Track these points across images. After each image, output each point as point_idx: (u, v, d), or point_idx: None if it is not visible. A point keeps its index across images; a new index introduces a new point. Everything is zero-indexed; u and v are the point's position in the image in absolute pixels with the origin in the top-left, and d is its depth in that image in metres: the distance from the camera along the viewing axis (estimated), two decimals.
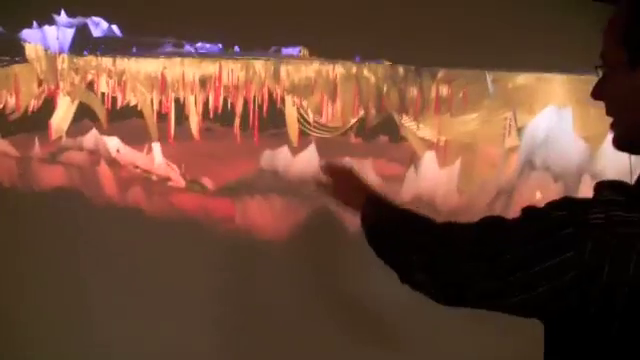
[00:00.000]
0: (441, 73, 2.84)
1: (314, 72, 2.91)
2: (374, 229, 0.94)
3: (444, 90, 2.85)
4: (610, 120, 0.80)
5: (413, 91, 2.87)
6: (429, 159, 2.71)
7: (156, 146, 2.85)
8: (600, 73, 0.80)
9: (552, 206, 0.74)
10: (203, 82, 3.04)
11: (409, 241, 0.88)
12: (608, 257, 0.68)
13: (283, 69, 2.88)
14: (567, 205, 0.73)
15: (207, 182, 2.88)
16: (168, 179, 2.89)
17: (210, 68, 3.00)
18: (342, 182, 1.02)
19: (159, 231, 2.98)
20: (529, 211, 0.79)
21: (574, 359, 0.74)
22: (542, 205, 0.75)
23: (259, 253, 2.92)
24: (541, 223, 0.73)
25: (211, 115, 3.06)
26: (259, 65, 2.98)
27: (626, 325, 0.70)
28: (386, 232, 0.93)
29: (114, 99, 3.03)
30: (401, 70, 2.86)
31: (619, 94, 0.79)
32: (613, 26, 0.80)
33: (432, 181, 2.66)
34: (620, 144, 0.80)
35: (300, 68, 2.90)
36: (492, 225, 0.80)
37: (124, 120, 2.93)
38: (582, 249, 0.69)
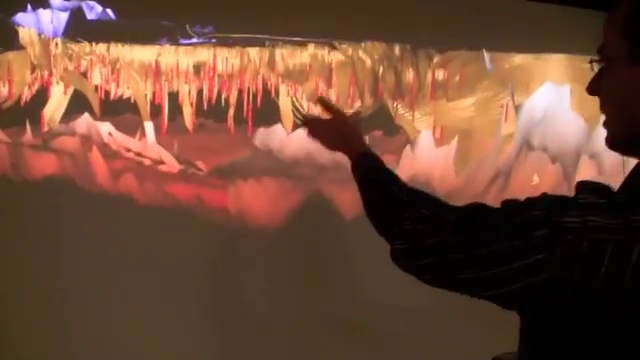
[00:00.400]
0: (437, 55, 2.83)
1: (309, 57, 2.89)
2: (364, 186, 0.95)
3: (440, 73, 2.83)
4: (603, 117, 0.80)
5: (409, 74, 2.85)
6: (425, 138, 2.68)
7: (149, 125, 2.81)
8: (595, 68, 0.78)
9: (530, 204, 0.72)
10: (197, 70, 3.01)
11: (394, 209, 0.86)
12: (579, 262, 0.66)
13: (278, 53, 2.86)
14: (544, 204, 0.70)
15: (200, 165, 2.84)
16: (161, 162, 2.85)
17: (204, 55, 2.98)
18: (334, 123, 1.07)
19: (151, 219, 2.92)
20: (508, 206, 0.77)
21: (547, 354, 0.71)
22: (521, 200, 0.74)
23: (253, 239, 2.87)
24: (517, 221, 0.71)
25: (205, 106, 3.03)
26: (254, 52, 2.96)
27: (599, 329, 0.68)
28: (376, 193, 0.92)
29: (107, 89, 3.00)
30: (397, 50, 2.85)
31: (617, 89, 0.76)
32: (615, 18, 0.77)
33: (428, 161, 2.63)
34: (615, 143, 0.78)
35: (295, 53, 2.88)
36: (473, 215, 0.78)
37: (118, 110, 2.90)
38: (554, 252, 0.67)
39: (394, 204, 0.87)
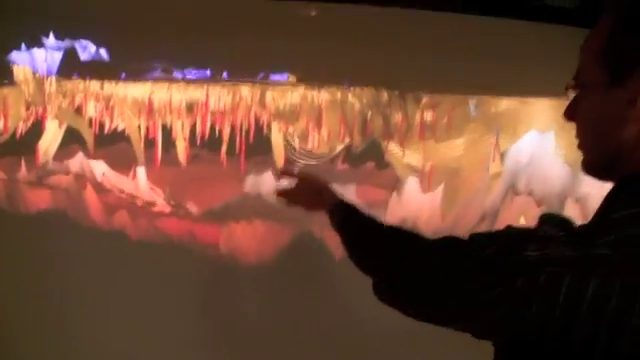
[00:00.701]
0: (425, 98, 2.87)
1: (299, 97, 2.94)
2: (344, 230, 1.00)
3: (428, 115, 2.87)
4: (578, 142, 0.81)
5: (397, 116, 2.89)
6: (412, 184, 2.73)
7: (141, 170, 2.85)
8: (570, 94, 0.80)
9: (493, 237, 0.74)
10: (190, 107, 3.05)
11: (373, 248, 0.90)
12: (537, 294, 0.68)
13: (269, 95, 2.90)
14: (505, 237, 0.73)
15: (192, 207, 2.89)
16: (153, 204, 2.89)
17: (197, 93, 3.02)
18: (304, 187, 1.13)
19: (144, 254, 2.97)
20: (475, 239, 0.79)
21: None
22: (487, 233, 0.77)
23: (244, 277, 2.91)
24: (481, 255, 0.73)
25: (198, 142, 3.08)
26: (246, 90, 3.01)
27: (561, 356, 0.70)
28: (353, 235, 0.97)
29: (102, 123, 3.04)
30: (385, 95, 2.89)
31: (593, 115, 0.78)
32: (590, 45, 0.79)
33: (415, 206, 2.68)
34: (591, 168, 0.80)
35: (286, 94, 2.92)
36: (445, 249, 0.80)
37: (112, 144, 2.94)
38: (513, 285, 0.69)
39: (373, 243, 0.92)
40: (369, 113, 2.87)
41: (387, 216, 2.76)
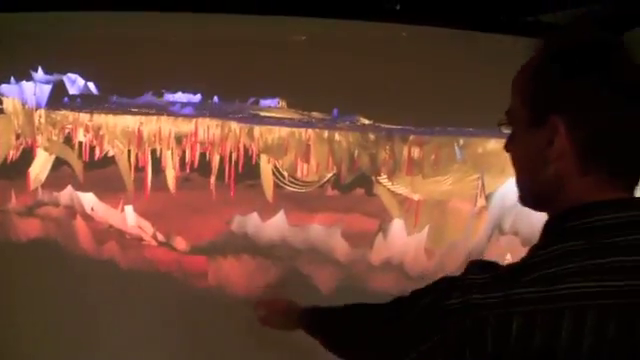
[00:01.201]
0: (412, 136, 2.87)
1: (287, 133, 2.95)
2: (313, 333, 1.14)
3: (415, 152, 2.88)
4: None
5: (385, 154, 2.90)
6: (397, 226, 2.76)
7: (129, 209, 2.88)
8: (502, 129, 0.83)
9: (427, 290, 0.80)
10: (179, 139, 3.07)
11: (338, 334, 1.03)
12: (466, 340, 0.72)
13: (257, 130, 2.92)
14: (435, 290, 0.78)
15: (179, 242, 2.92)
16: (141, 239, 2.93)
17: (186, 126, 3.03)
18: (274, 311, 1.30)
19: (133, 285, 3.01)
20: (414, 295, 0.85)
21: None
22: (425, 287, 0.83)
23: (232, 310, 2.94)
24: (418, 309, 0.79)
25: (187, 170, 3.10)
26: (234, 124, 3.02)
27: None
28: (322, 331, 1.09)
29: (92, 150, 3.06)
30: (372, 136, 2.90)
31: (519, 151, 0.82)
32: (516, 86, 0.83)
33: (401, 247, 2.71)
34: (523, 200, 0.84)
35: (274, 129, 2.94)
36: (393, 311, 0.88)
37: (101, 175, 2.96)
38: (445, 333, 0.73)
39: (337, 330, 1.02)
40: (356, 151, 2.88)
41: (372, 256, 2.78)
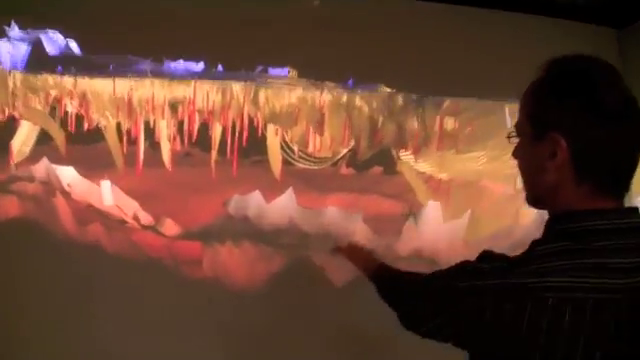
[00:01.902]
0: (447, 103, 2.44)
1: (297, 99, 2.53)
2: (377, 286, 1.21)
3: (449, 123, 2.45)
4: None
5: (413, 124, 2.48)
6: (432, 210, 2.31)
7: (105, 185, 2.49)
8: (512, 140, 0.92)
9: (445, 272, 0.93)
10: (175, 107, 2.68)
11: (389, 294, 1.15)
12: (470, 317, 0.87)
13: (262, 95, 2.51)
14: (450, 273, 0.91)
15: (170, 226, 2.52)
16: (123, 221, 2.55)
17: (182, 91, 2.64)
18: (353, 253, 1.30)
19: (119, 270, 2.64)
20: (434, 275, 0.98)
21: None
22: (445, 268, 0.94)
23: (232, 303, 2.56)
24: (433, 289, 0.94)
25: (185, 144, 2.71)
26: (237, 88, 2.62)
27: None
28: (380, 289, 1.19)
29: (79, 120, 2.69)
30: (400, 100, 2.47)
31: (525, 160, 0.91)
32: (524, 102, 0.92)
33: (435, 235, 2.28)
34: (529, 201, 0.93)
35: (282, 94, 2.53)
36: (417, 285, 1.02)
37: (87, 148, 2.59)
38: (453, 311, 0.89)
39: (392, 291, 1.15)
40: (380, 119, 2.45)
41: (400, 244, 2.37)
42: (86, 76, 2.67)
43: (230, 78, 2.56)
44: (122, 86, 2.70)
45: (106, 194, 2.50)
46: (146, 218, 2.58)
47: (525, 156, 0.93)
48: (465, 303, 0.88)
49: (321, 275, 2.47)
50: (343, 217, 2.50)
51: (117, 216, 2.54)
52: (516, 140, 0.94)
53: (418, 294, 1.01)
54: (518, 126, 0.94)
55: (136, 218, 2.51)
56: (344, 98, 2.40)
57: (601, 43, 2.83)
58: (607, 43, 2.90)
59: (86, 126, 2.76)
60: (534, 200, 0.93)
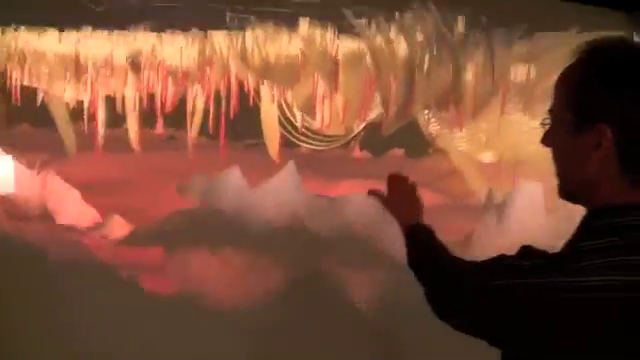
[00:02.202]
0: (520, 41, 1.68)
1: (301, 41, 1.82)
2: (410, 250, 1.10)
3: (519, 73, 1.69)
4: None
5: (470, 69, 1.74)
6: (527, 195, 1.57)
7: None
8: (546, 125, 0.87)
9: (482, 265, 0.92)
10: (136, 67, 2.01)
11: (425, 269, 1.07)
12: (507, 315, 0.85)
13: (250, 39, 1.79)
14: (487, 267, 0.90)
15: (119, 225, 1.80)
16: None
17: (146, 45, 1.97)
18: (399, 194, 1.12)
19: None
20: (474, 268, 0.96)
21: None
22: (484, 261, 0.92)
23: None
24: (469, 283, 0.93)
25: (158, 117, 2.07)
26: (219, 38, 1.93)
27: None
28: (413, 257, 1.09)
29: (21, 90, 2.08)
30: (460, 25, 1.72)
31: (562, 149, 0.89)
32: (563, 86, 0.87)
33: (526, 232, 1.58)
34: (563, 195, 0.92)
35: (280, 36, 1.82)
36: (457, 277, 1.01)
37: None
38: (489, 308, 0.86)
39: (434, 270, 1.09)
40: (425, 59, 1.71)
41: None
42: (18, 27, 2.01)
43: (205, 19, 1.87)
44: (68, 39, 2.03)
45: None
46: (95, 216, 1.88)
47: (563, 146, 0.86)
48: (503, 301, 0.84)
49: (340, 295, 1.73)
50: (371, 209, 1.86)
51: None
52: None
53: (455, 284, 0.98)
54: (555, 113, 0.85)
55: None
56: (368, 32, 1.67)
57: (610, 25, 2.59)
58: (616, 25, 2.69)
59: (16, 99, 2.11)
60: (569, 192, 0.88)
